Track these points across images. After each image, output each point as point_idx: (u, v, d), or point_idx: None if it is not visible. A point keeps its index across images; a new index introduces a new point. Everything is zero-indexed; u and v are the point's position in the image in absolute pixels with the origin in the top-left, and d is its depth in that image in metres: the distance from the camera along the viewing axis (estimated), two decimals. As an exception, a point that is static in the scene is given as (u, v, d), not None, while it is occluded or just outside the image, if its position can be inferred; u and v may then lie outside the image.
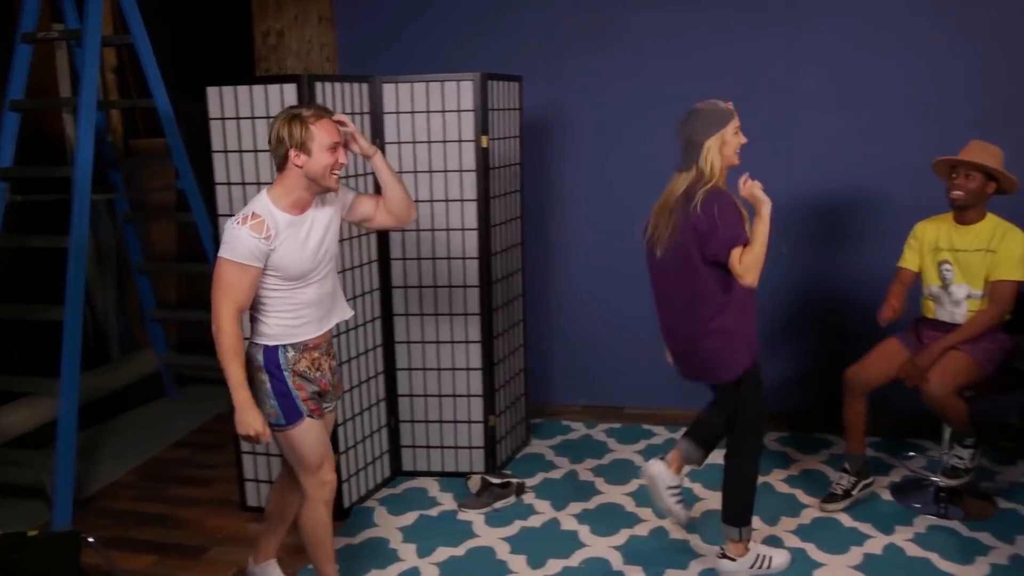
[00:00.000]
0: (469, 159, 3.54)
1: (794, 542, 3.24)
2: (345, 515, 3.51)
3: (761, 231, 2.67)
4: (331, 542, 2.75)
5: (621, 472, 3.88)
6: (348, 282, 3.45)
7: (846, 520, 3.40)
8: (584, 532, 3.36)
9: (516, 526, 3.42)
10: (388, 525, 3.45)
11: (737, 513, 3.01)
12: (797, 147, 4.10)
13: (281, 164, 2.49)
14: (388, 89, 3.52)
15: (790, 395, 4.42)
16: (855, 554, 3.16)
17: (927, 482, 3.62)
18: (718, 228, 2.67)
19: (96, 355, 5.06)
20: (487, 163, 3.55)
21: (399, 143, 3.56)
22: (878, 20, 3.98)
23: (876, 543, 3.23)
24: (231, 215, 3.31)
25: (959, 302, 3.33)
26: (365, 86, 3.50)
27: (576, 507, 3.56)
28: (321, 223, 2.57)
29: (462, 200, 3.57)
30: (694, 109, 2.83)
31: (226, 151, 3.33)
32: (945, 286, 3.34)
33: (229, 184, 3.35)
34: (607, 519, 3.46)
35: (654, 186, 4.25)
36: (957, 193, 3.26)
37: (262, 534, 3.00)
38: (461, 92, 3.49)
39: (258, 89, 3.26)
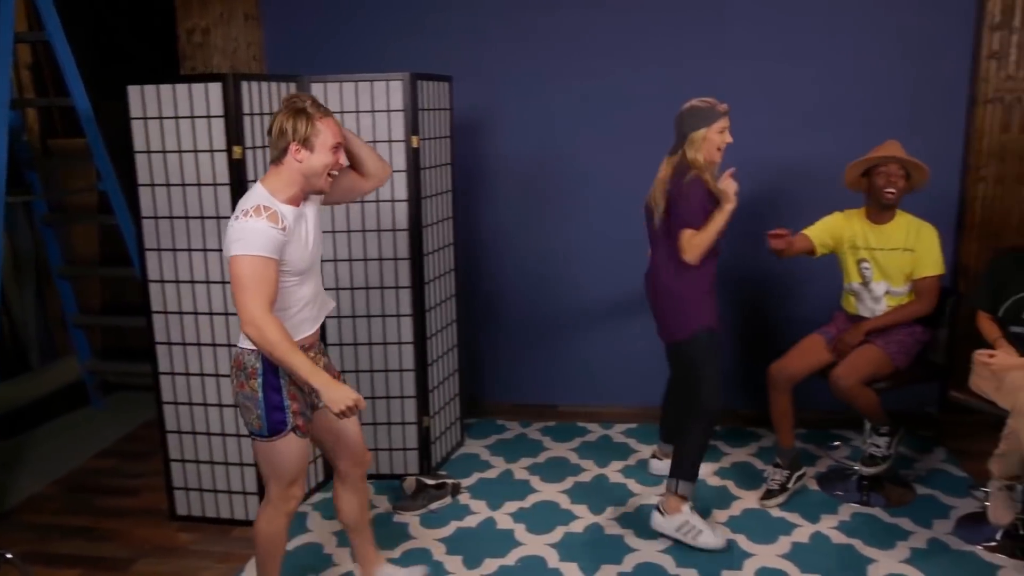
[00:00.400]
0: (400, 159, 3.51)
1: (726, 534, 3.31)
2: (278, 521, 3.46)
3: (716, 222, 3.03)
4: (281, 555, 2.70)
5: (556, 470, 3.91)
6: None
7: (775, 511, 3.49)
8: (520, 531, 3.37)
9: (452, 527, 3.42)
10: (322, 530, 3.41)
11: (676, 464, 3.22)
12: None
13: (278, 157, 2.42)
14: (317, 89, 3.47)
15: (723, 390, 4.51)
16: (783, 543, 3.24)
17: (850, 471, 3.74)
18: (682, 207, 3.04)
19: (15, 364, 4.88)
20: (418, 163, 3.53)
21: (328, 143, 3.52)
22: (800, 23, 4.09)
23: (803, 532, 3.32)
24: (155, 217, 3.27)
25: (879, 298, 3.44)
26: (293, 86, 3.45)
27: (512, 506, 3.57)
28: (311, 216, 2.54)
29: (393, 201, 3.55)
30: (689, 105, 3.12)
31: (149, 151, 3.24)
32: (865, 283, 3.45)
33: (153, 186, 3.26)
34: (543, 517, 3.48)
35: (584, 185, 4.36)
36: (891, 192, 3.35)
37: (355, 548, 2.91)
38: (391, 92, 3.46)
39: (182, 88, 3.18)
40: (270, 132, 2.43)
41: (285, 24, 4.44)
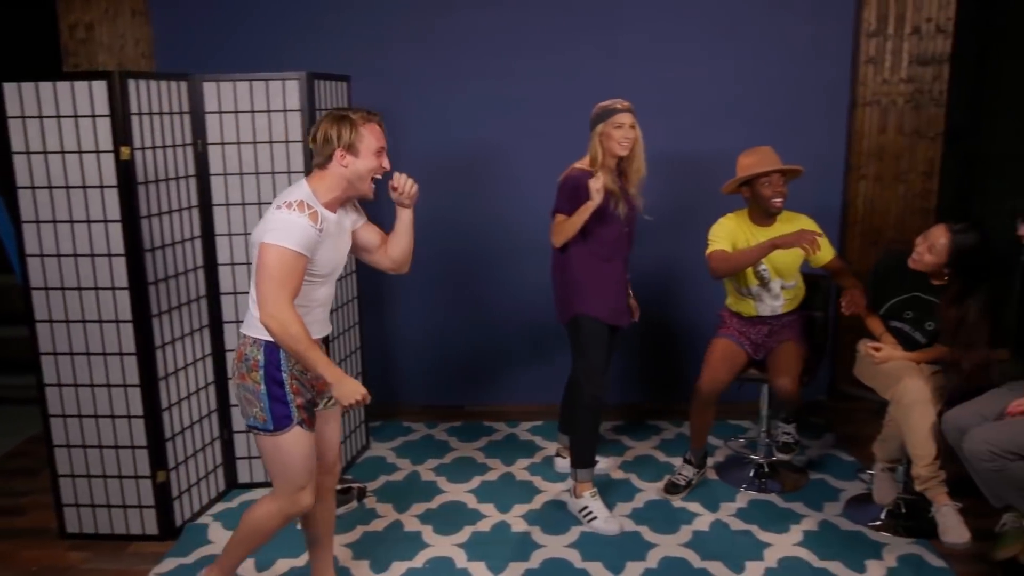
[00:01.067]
0: (297, 160, 3.45)
1: (629, 526, 3.38)
2: (176, 533, 3.35)
3: (581, 212, 3.16)
4: (258, 548, 2.68)
5: (463, 470, 3.91)
6: (173, 290, 3.29)
7: (676, 501, 3.58)
8: (427, 532, 3.36)
9: (358, 531, 3.38)
10: (224, 541, 3.30)
11: (573, 454, 3.46)
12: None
13: (324, 163, 2.46)
14: (209, 88, 3.38)
15: (622, 387, 4.61)
16: (685, 532, 3.33)
17: (748, 460, 3.87)
18: (557, 196, 3.28)
19: None
20: (317, 164, 3.48)
21: (223, 144, 3.42)
22: (691, 27, 4.22)
23: (704, 520, 3.43)
24: (37, 222, 3.11)
25: (777, 295, 3.57)
26: (184, 84, 3.34)
27: (419, 508, 3.56)
28: (346, 226, 2.58)
29: (292, 202, 3.48)
30: (598, 104, 3.30)
31: (28, 152, 3.08)
32: (764, 284, 3.56)
33: (33, 188, 3.10)
34: (450, 517, 3.48)
35: (484, 185, 4.38)
36: (780, 201, 3.46)
37: (314, 562, 2.84)
38: (287, 92, 3.40)
39: (63, 86, 3.04)
40: (314, 139, 2.45)
41: (175, 20, 4.30)
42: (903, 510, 3.37)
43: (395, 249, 2.69)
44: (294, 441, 2.47)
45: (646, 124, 4.30)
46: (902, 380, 3.13)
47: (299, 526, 3.36)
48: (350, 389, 2.37)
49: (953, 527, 2.96)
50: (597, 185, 3.14)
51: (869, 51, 4.20)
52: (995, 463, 2.70)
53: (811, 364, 3.63)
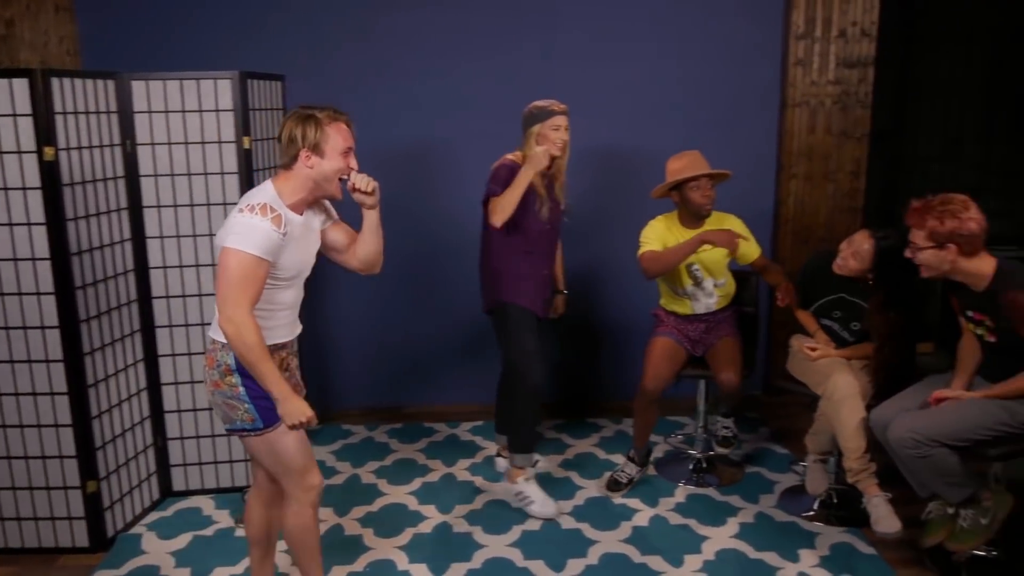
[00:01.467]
0: (231, 161, 3.39)
1: (570, 523, 3.41)
2: (108, 545, 3.26)
3: (519, 180, 3.22)
4: (319, 546, 2.63)
5: (404, 472, 3.89)
6: (103, 294, 3.20)
7: (615, 497, 3.62)
8: (368, 535, 3.34)
9: (298, 537, 3.33)
10: (158, 551, 3.24)
11: (511, 439, 3.52)
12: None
13: (289, 164, 2.41)
14: (138, 87, 3.29)
15: (561, 385, 4.64)
16: (625, 528, 3.37)
17: (686, 455, 3.94)
18: (489, 184, 3.32)
19: None
20: (250, 165, 3.42)
21: (153, 144, 3.34)
22: (627, 28, 4.27)
23: (643, 516, 3.47)
24: (-45, 225, 2.99)
25: (711, 293, 3.63)
26: (111, 83, 3.25)
27: (359, 511, 3.53)
28: (313, 227, 2.54)
29: (225, 204, 3.42)
30: (531, 104, 3.35)
31: (-55, 154, 2.97)
32: (698, 283, 3.62)
33: (-48, 191, 2.99)
34: (391, 520, 3.46)
35: (422, 186, 4.36)
36: (710, 205, 3.51)
37: (255, 562, 2.77)
38: (219, 91, 3.33)
39: (-18, 85, 2.93)
40: (279, 139, 2.41)
41: (102, 17, 4.17)
42: (835, 500, 3.46)
43: (363, 250, 2.64)
44: (287, 433, 2.44)
45: (585, 124, 4.35)
46: (832, 377, 3.22)
47: (240, 531, 3.33)
48: (297, 409, 2.34)
49: (884, 517, 3.05)
50: (540, 151, 3.23)
51: (798, 53, 4.31)
52: (918, 450, 2.80)
53: (746, 358, 3.70)
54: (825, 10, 4.27)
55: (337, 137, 2.41)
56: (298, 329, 2.62)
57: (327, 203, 2.62)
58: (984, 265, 2.78)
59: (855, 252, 3.30)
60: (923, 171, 5.66)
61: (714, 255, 3.55)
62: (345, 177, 2.47)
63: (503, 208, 3.24)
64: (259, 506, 2.71)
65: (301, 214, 2.46)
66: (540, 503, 3.44)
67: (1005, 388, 2.80)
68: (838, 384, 3.19)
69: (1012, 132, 5.46)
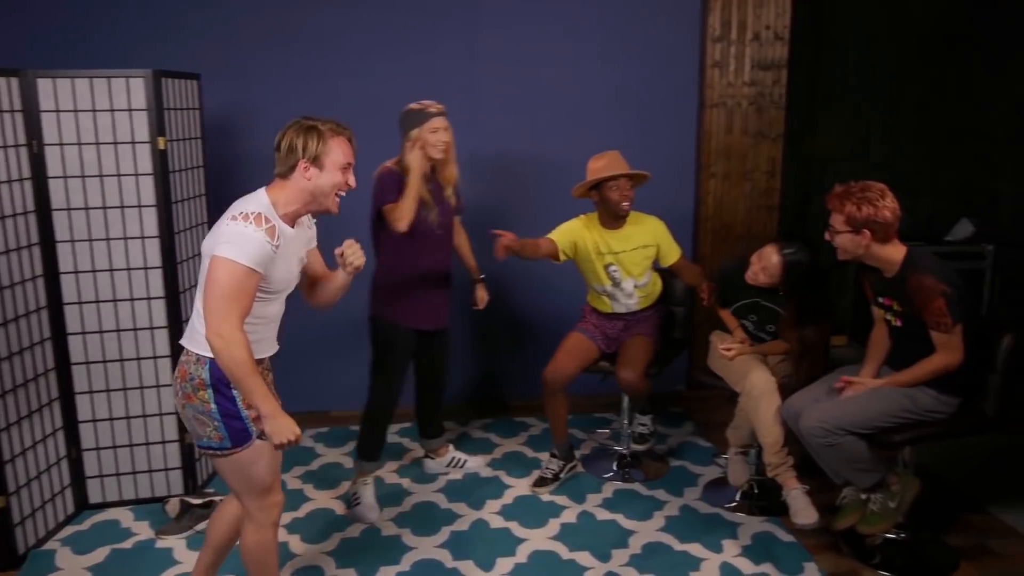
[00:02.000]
0: (145, 162, 3.29)
1: (499, 522, 3.42)
2: (19, 562, 3.13)
3: (410, 187, 3.22)
4: (276, 565, 2.54)
5: (330, 476, 3.85)
6: (9, 301, 3.07)
7: (544, 495, 3.65)
8: (295, 541, 3.28)
9: (222, 546, 3.26)
10: (73, 567, 3.12)
11: (358, 444, 3.56)
12: (478, 145, 4.30)
13: (286, 173, 2.34)
14: (44, 85, 3.17)
15: (489, 385, 4.65)
16: (553, 525, 3.40)
17: (612, 451, 3.99)
18: (376, 194, 3.31)
19: None
20: (166, 166, 3.33)
21: (62, 145, 3.22)
22: (547, 30, 4.31)
23: (571, 512, 3.50)
24: None
25: (631, 294, 3.68)
26: (15, 80, 3.12)
27: (285, 517, 3.47)
28: (302, 241, 2.48)
29: (140, 206, 3.32)
30: (406, 108, 3.28)
31: None
32: (616, 284, 3.67)
33: None
34: (318, 525, 3.41)
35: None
36: (628, 205, 3.55)
37: (201, 567, 2.68)
38: (132, 90, 3.23)
39: None
40: (278, 148, 2.34)
41: (6, 11, 4.00)
42: (756, 491, 3.56)
43: (323, 297, 2.62)
44: (256, 455, 2.37)
45: (506, 125, 4.38)
46: (749, 375, 3.30)
47: (162, 543, 3.26)
48: (285, 426, 2.24)
49: (802, 509, 3.15)
50: (416, 158, 3.22)
51: (714, 56, 4.42)
52: (827, 439, 2.90)
53: (663, 357, 3.76)
54: (740, 14, 4.39)
55: (338, 151, 2.35)
56: (276, 346, 2.55)
57: (311, 228, 2.56)
58: (895, 252, 2.89)
59: (764, 267, 3.38)
60: (834, 170, 5.87)
61: (638, 256, 3.60)
62: (342, 193, 2.42)
63: (404, 213, 3.20)
64: (234, 509, 2.61)
65: (293, 227, 2.39)
66: (366, 506, 3.48)
67: (908, 376, 2.92)
68: (755, 381, 3.27)
69: (916, 132, 5.71)
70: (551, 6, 4.28)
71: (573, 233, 3.61)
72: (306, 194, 2.36)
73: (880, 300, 3.04)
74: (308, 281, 2.62)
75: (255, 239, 2.21)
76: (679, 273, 3.75)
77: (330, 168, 2.35)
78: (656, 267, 3.73)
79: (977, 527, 3.36)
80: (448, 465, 3.85)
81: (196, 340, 2.32)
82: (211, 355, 2.26)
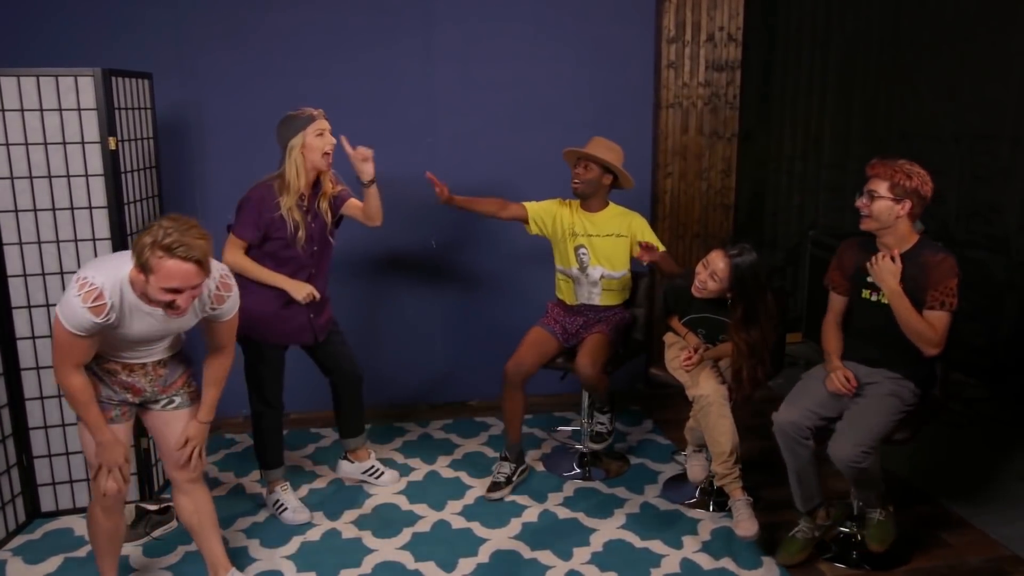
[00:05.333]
0: (96, 163, 3.22)
1: (460, 523, 3.42)
2: (-32, 574, 3.05)
3: (272, 278, 3.23)
4: (107, 548, 2.80)
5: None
6: (-47, 306, 2.98)
7: (499, 498, 3.64)
8: (254, 546, 3.25)
9: (180, 552, 3.21)
10: (25, 577, 3.06)
11: (258, 458, 3.53)
12: (438, 144, 4.30)
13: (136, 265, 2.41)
14: (-10, 84, 3.09)
15: (450, 385, 4.64)
16: (515, 525, 3.41)
17: (572, 450, 4.01)
18: (239, 212, 3.21)
19: None
20: (117, 167, 3.26)
21: (7, 144, 3.13)
22: (504, 28, 4.31)
23: (532, 512, 3.52)
24: None
25: (595, 283, 3.71)
26: (-41, 80, 3.04)
27: (244, 522, 3.43)
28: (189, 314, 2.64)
29: (90, 208, 3.25)
30: (284, 116, 3.16)
31: None
32: (583, 268, 3.70)
33: None
34: (277, 530, 3.38)
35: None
36: (576, 183, 3.63)
37: (201, 552, 2.91)
38: (81, 89, 3.16)
39: None
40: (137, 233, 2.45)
41: (-53, 10, 3.90)
42: (715, 487, 3.60)
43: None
44: (82, 433, 2.64)
45: (462, 124, 4.36)
46: (700, 383, 3.29)
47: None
48: (103, 454, 2.58)
49: (744, 520, 3.16)
50: (302, 294, 3.19)
51: (670, 56, 4.46)
52: (866, 461, 2.86)
53: (623, 357, 3.79)
54: (694, 15, 4.44)
55: (163, 274, 2.32)
56: (164, 355, 2.73)
57: (210, 308, 2.61)
58: (911, 233, 2.95)
59: (712, 273, 3.29)
60: (788, 169, 5.97)
61: (610, 244, 3.66)
62: (170, 309, 2.42)
63: (239, 268, 3.13)
64: (177, 495, 2.82)
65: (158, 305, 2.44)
66: (292, 509, 3.46)
67: (909, 312, 2.88)
68: (704, 390, 3.27)
69: (866, 132, 5.82)
70: (506, 6, 4.29)
71: (551, 209, 3.71)
72: (141, 288, 2.42)
73: (868, 280, 3.03)
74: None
75: (78, 312, 2.36)
76: (658, 267, 3.71)
77: (153, 284, 2.35)
78: (648, 269, 3.75)
79: (926, 517, 3.45)
80: (364, 472, 3.76)
81: None
82: None
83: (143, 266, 2.33)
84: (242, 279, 3.03)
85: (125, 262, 2.43)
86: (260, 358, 3.37)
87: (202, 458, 2.80)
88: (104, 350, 2.57)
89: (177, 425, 2.75)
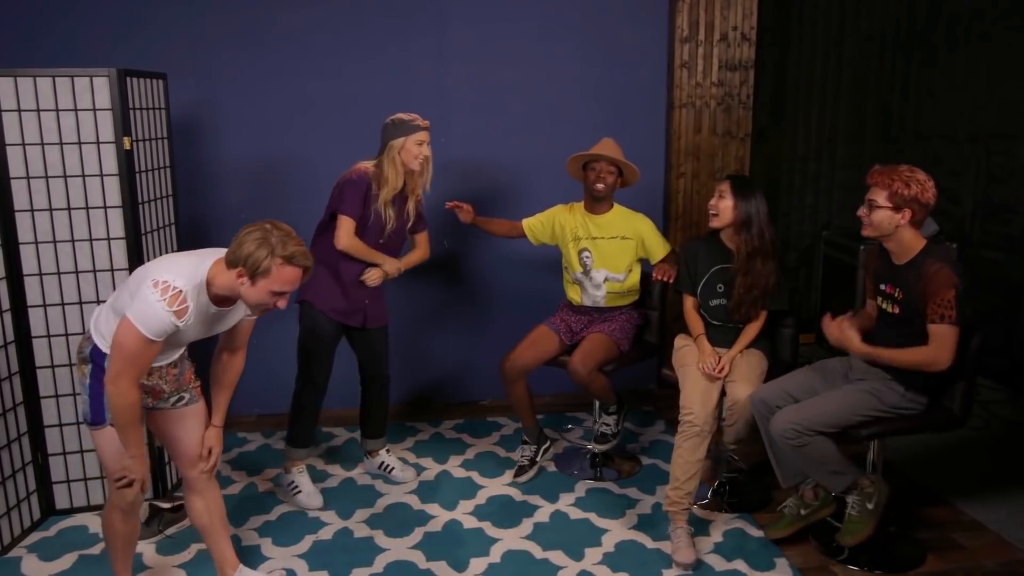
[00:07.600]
0: (110, 163, 3.24)
1: (472, 522, 3.42)
2: (-17, 571, 3.08)
3: (371, 254, 3.43)
4: (121, 548, 2.74)
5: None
6: (-31, 305, 3.01)
7: (516, 495, 3.65)
8: (267, 545, 3.26)
9: (192, 550, 3.22)
10: (39, 573, 3.07)
11: (287, 432, 3.59)
12: (450, 144, 4.29)
13: (230, 264, 2.40)
14: (6, 84, 3.11)
15: (462, 385, 4.65)
16: (526, 525, 3.40)
17: (584, 450, 4.01)
18: (333, 196, 3.41)
19: None
20: (132, 167, 3.28)
21: (24, 145, 3.16)
22: (517, 29, 4.31)
23: (544, 512, 3.51)
24: None
25: (599, 285, 3.71)
26: (-25, 81, 3.07)
27: (257, 520, 3.44)
28: (235, 315, 2.66)
29: (105, 207, 3.27)
30: (393, 117, 3.36)
31: None
32: (586, 271, 3.70)
33: None
34: (290, 528, 3.39)
35: (313, 186, 4.27)
36: (600, 186, 3.61)
37: (210, 551, 2.91)
38: (96, 89, 3.18)
39: None
40: (237, 235, 2.41)
41: (-36, 11, 3.93)
42: (727, 488, 3.59)
43: (225, 378, 2.82)
44: (107, 439, 2.54)
45: (475, 125, 4.37)
46: (693, 406, 3.24)
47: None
48: (132, 467, 2.50)
49: (683, 548, 3.12)
50: (393, 268, 3.46)
51: (683, 56, 4.45)
52: (798, 440, 2.93)
53: (633, 358, 3.77)
54: (708, 15, 4.43)
55: (277, 281, 2.38)
56: (177, 353, 2.73)
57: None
58: (916, 240, 2.91)
59: (720, 193, 3.33)
60: (801, 170, 5.95)
61: (615, 246, 3.65)
62: (269, 309, 2.49)
63: (354, 248, 3.37)
64: (190, 496, 2.81)
65: (227, 305, 2.51)
66: (307, 493, 3.54)
67: (889, 355, 2.88)
68: (692, 420, 3.21)
69: (881, 132, 5.79)
70: (518, 7, 4.29)
71: (552, 218, 3.76)
72: (236, 293, 2.45)
73: (881, 287, 3.02)
74: (224, 348, 2.80)
75: (161, 316, 2.34)
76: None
77: (261, 288, 2.39)
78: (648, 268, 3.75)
79: (941, 520, 3.42)
80: (379, 468, 3.83)
81: (96, 329, 2.54)
82: (97, 342, 2.51)
83: (255, 271, 2.35)
84: (327, 255, 3.37)
85: (198, 264, 2.43)
86: (313, 326, 3.45)
87: (217, 457, 2.82)
88: None
89: (188, 422, 2.75)
